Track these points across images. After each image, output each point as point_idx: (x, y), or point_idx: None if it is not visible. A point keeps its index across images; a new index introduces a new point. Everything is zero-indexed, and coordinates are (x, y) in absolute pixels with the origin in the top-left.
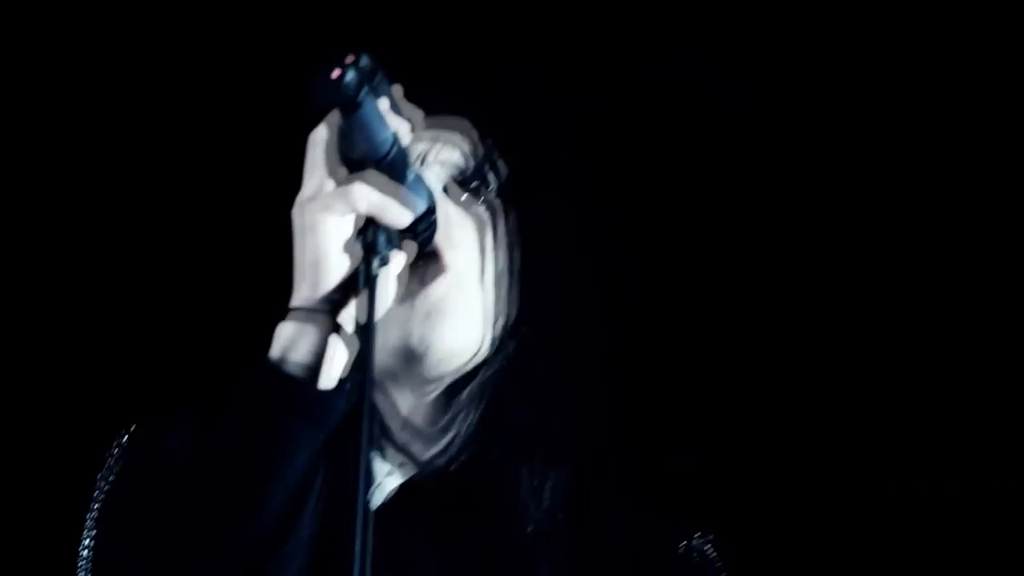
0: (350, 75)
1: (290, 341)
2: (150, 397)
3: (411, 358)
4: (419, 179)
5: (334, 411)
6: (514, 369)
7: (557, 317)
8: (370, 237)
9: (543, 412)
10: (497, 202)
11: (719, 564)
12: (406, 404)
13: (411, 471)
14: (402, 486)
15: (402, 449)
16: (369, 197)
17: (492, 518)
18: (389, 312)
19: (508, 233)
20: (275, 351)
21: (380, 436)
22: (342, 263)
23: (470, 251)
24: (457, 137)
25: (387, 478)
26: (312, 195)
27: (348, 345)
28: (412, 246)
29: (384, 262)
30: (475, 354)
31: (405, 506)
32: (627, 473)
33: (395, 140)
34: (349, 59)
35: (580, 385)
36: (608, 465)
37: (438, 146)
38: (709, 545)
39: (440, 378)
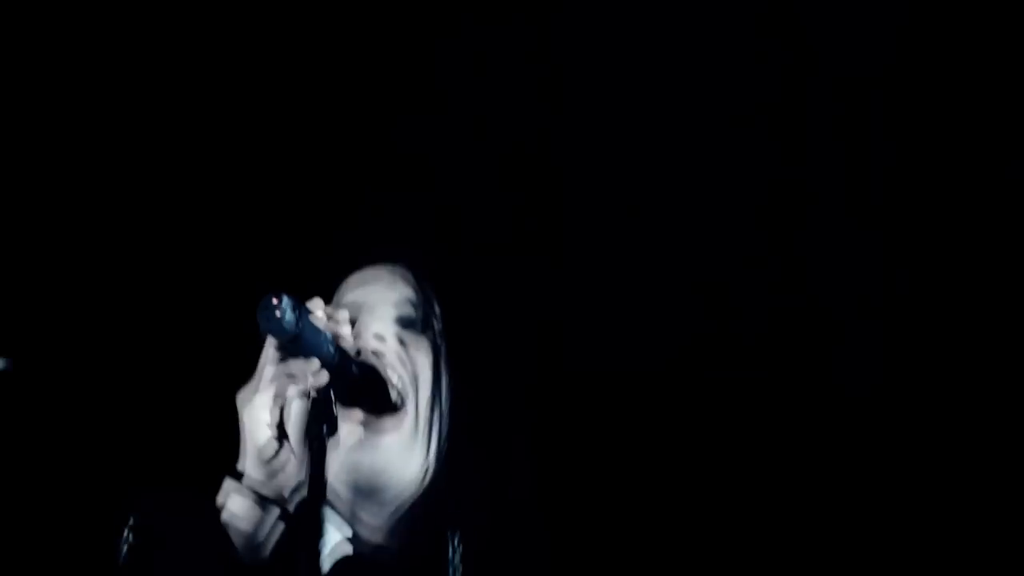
0: (288, 314)
1: (227, 500)
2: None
3: (362, 484)
4: (363, 368)
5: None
6: (447, 475)
7: (482, 432)
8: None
9: (470, 505)
10: (441, 334)
11: None
12: (355, 500)
13: (357, 537)
14: (352, 549)
15: (350, 522)
16: (279, 367)
17: None
18: (342, 444)
19: (448, 360)
20: (219, 498)
21: (329, 508)
22: (272, 439)
23: (424, 380)
24: (404, 279)
25: (336, 531)
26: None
27: (269, 514)
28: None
29: (331, 431)
30: (417, 473)
31: (355, 563)
32: (541, 551)
33: (335, 348)
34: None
35: (503, 485)
36: (524, 545)
37: (389, 290)
38: None
39: (386, 494)
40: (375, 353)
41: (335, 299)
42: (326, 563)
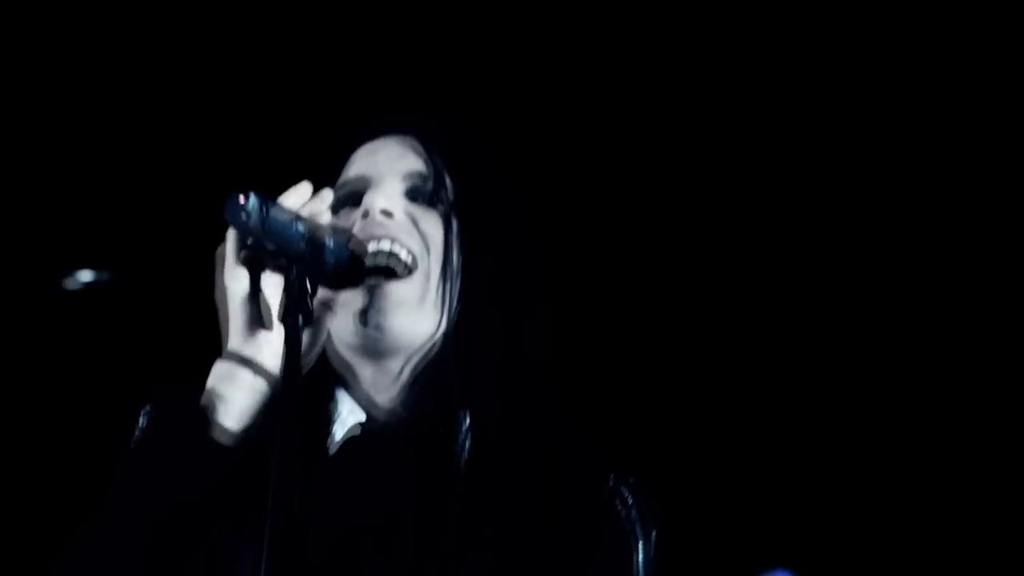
0: (254, 212)
1: (215, 380)
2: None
3: (371, 340)
4: (336, 246)
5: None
6: (457, 341)
7: (494, 302)
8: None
9: (481, 375)
10: (452, 206)
11: (642, 509)
12: (367, 373)
13: (371, 419)
14: (362, 430)
15: (363, 404)
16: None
17: (433, 456)
18: (351, 298)
19: (459, 233)
20: (209, 382)
21: (345, 391)
22: (244, 315)
23: (436, 252)
24: (413, 150)
25: (349, 415)
26: None
27: (257, 389)
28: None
29: (306, 320)
30: (428, 338)
31: (365, 442)
32: (555, 422)
33: (305, 232)
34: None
35: (515, 352)
36: (537, 415)
37: (398, 162)
38: (631, 489)
39: (397, 358)
40: (380, 226)
41: (344, 172)
42: (334, 447)
